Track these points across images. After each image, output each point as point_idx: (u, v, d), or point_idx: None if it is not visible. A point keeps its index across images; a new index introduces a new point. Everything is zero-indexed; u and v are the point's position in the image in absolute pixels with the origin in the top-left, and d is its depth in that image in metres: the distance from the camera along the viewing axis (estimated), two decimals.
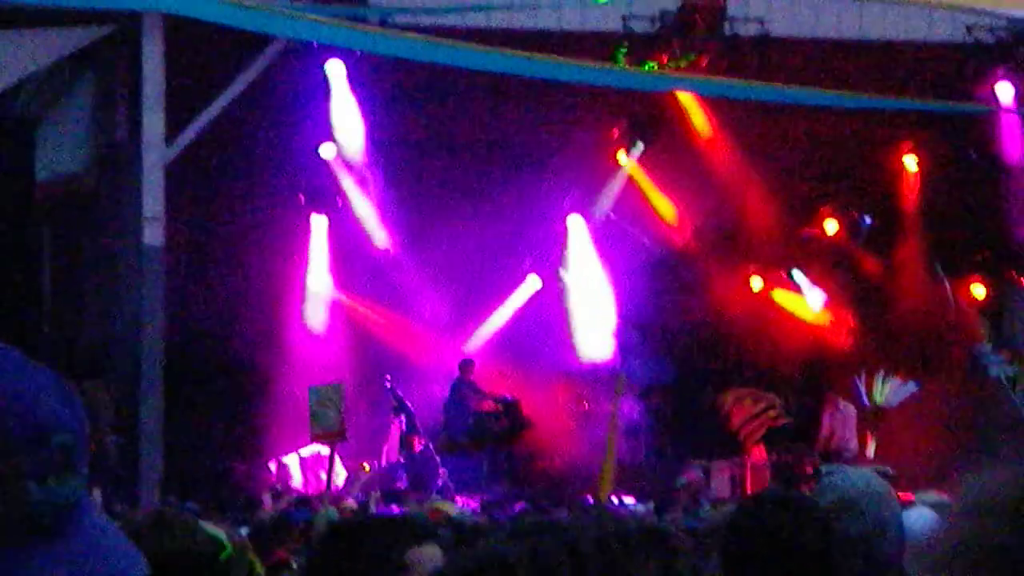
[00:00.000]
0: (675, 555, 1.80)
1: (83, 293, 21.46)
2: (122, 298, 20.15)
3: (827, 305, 25.96)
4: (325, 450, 21.36)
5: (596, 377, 24.39)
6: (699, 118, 23.19)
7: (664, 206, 24.74)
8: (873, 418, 22.91)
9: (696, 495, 21.23)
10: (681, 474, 22.16)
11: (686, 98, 23.04)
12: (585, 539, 1.76)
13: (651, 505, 19.60)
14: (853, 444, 23.00)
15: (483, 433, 21.00)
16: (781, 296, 25.94)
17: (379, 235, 23.56)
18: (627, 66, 20.81)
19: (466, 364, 23.51)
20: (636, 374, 24.28)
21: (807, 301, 25.93)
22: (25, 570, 1.92)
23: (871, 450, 22.58)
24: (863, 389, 23.35)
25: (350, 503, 17.46)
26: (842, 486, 4.80)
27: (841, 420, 23.27)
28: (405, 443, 22.14)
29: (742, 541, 4.28)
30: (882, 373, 23.42)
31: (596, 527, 1.78)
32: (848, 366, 24.69)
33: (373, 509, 18.05)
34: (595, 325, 24.95)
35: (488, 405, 22.50)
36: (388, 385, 22.42)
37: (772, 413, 22.66)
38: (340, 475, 22.14)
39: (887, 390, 23.19)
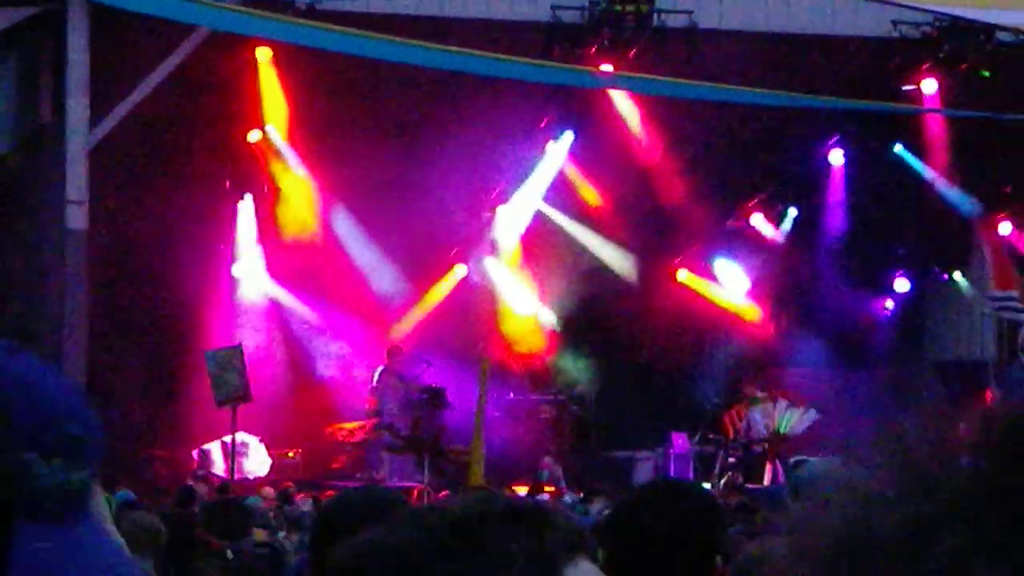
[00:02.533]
0: (548, 530, 1.76)
1: (6, 277, 21.25)
2: (46, 282, 19.97)
3: (750, 296, 26.11)
4: (247, 436, 21.35)
5: (523, 368, 24.46)
6: (628, 109, 23.24)
7: (592, 196, 24.79)
8: (777, 445, 22.83)
9: (558, 482, 21.35)
10: (539, 468, 22.25)
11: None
12: (442, 524, 1.74)
13: (578, 496, 19.69)
14: (767, 434, 23.15)
15: (419, 437, 20.95)
16: (705, 288, 26.05)
17: (307, 221, 23.48)
18: (560, 62, 20.82)
19: (394, 351, 23.48)
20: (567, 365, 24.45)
21: (731, 292, 26.06)
22: (25, 550, 1.94)
23: (767, 478, 22.47)
24: (759, 419, 23.32)
25: (267, 490, 17.40)
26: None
27: (759, 415, 23.41)
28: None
29: (621, 532, 4.28)
30: (783, 405, 23.47)
31: (456, 510, 1.76)
32: (770, 357, 24.88)
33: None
34: (520, 315, 24.99)
35: (413, 394, 22.47)
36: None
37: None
38: (264, 463, 22.10)
39: (791, 420, 23.24)
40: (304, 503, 17.06)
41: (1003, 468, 1.02)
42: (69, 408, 2.05)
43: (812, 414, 23.38)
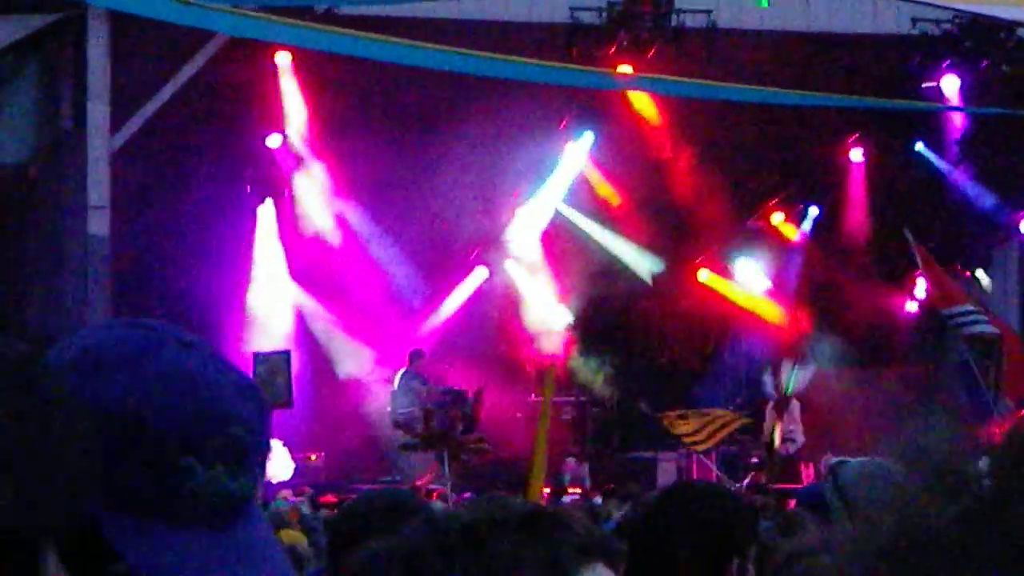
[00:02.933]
0: (560, 536, 1.77)
1: (28, 283, 21.32)
2: (67, 288, 20.04)
3: (771, 296, 26.07)
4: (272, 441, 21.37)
5: (544, 369, 24.42)
6: (647, 109, 23.22)
7: (611, 197, 24.78)
8: (783, 406, 23.04)
9: (581, 482, 21.35)
10: (562, 470, 22.23)
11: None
12: (453, 528, 1.75)
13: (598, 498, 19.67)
14: (799, 436, 23.13)
15: (434, 433, 20.94)
16: (726, 287, 26.01)
17: (326, 224, 23.52)
18: (579, 62, 20.82)
19: (415, 354, 23.48)
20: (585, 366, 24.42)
21: (752, 292, 26.02)
22: (181, 553, 1.90)
23: (777, 437, 22.69)
24: (769, 381, 23.46)
25: (284, 493, 17.42)
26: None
27: (788, 412, 23.40)
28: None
29: (644, 538, 4.29)
30: (791, 364, 23.51)
31: (469, 514, 1.77)
32: (790, 356, 24.83)
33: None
34: (543, 317, 24.99)
35: (434, 397, 22.45)
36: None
37: (727, 423, 22.78)
38: (287, 467, 22.13)
39: (796, 380, 23.34)
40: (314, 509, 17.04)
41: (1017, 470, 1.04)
42: (237, 410, 1.97)
43: (811, 368, 23.53)
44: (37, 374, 1.68)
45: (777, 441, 22.60)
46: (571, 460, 22.59)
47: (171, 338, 2.00)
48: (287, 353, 15.45)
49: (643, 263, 25.28)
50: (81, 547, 1.85)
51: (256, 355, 15.92)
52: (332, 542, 4.48)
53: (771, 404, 23.24)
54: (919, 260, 20.91)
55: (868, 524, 1.09)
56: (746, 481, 22.00)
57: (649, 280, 25.42)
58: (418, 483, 21.11)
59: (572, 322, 24.90)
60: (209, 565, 1.91)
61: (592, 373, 24.58)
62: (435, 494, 18.82)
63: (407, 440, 21.51)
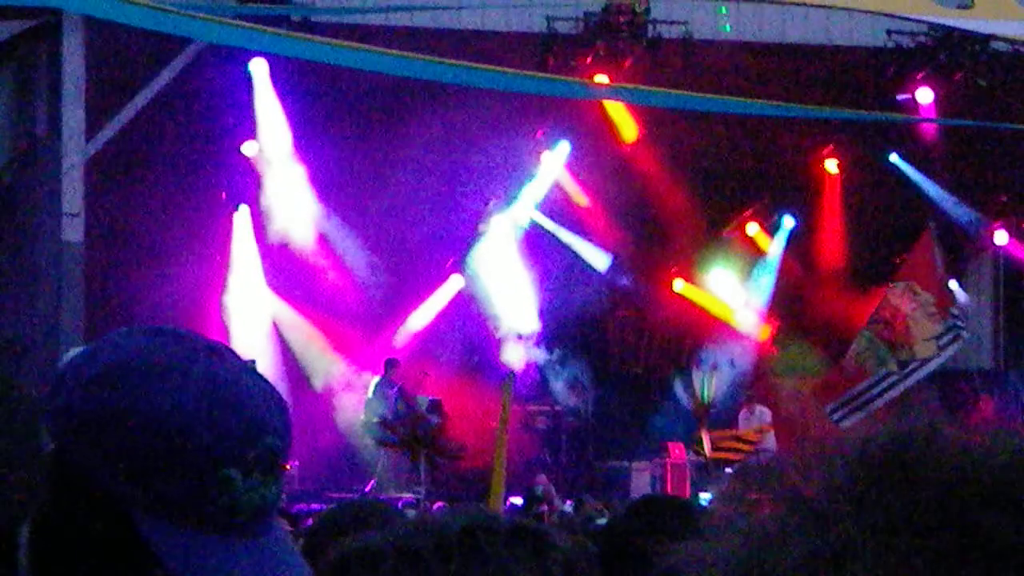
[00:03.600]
0: (548, 551, 1.78)
1: (1, 290, 21.24)
2: (41, 295, 19.96)
3: (746, 306, 26.11)
4: None
5: (519, 378, 24.43)
6: (623, 119, 23.25)
7: (587, 206, 24.80)
8: (703, 415, 22.91)
9: (551, 500, 21.26)
10: (535, 482, 22.17)
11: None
12: (451, 530, 1.76)
13: (568, 504, 19.67)
14: (771, 444, 23.15)
15: (412, 435, 20.90)
16: (701, 297, 26.04)
17: (302, 232, 23.48)
18: (556, 72, 20.84)
19: (391, 363, 23.45)
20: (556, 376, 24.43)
21: (726, 302, 26.06)
22: (218, 561, 1.93)
23: (707, 447, 22.60)
24: (682, 394, 23.29)
25: None
26: None
27: (756, 422, 23.44)
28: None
29: (617, 542, 4.30)
30: (698, 374, 23.45)
31: (464, 519, 1.79)
32: (766, 368, 24.88)
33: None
34: (516, 326, 24.99)
35: (410, 406, 22.42)
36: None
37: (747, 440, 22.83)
38: None
39: (711, 385, 23.26)
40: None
41: (880, 499, 1.01)
42: (272, 420, 2.00)
43: (727, 372, 23.47)
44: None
45: (707, 451, 22.54)
46: (543, 475, 22.52)
47: (201, 346, 2.03)
48: (252, 363, 15.44)
49: (618, 273, 25.30)
50: (122, 552, 1.91)
51: None
52: (306, 551, 4.45)
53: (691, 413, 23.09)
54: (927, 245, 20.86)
55: (718, 548, 1.05)
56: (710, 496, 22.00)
57: (624, 290, 25.44)
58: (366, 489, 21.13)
59: (531, 331, 24.88)
60: (245, 572, 1.95)
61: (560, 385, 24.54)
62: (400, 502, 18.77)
63: (386, 436, 21.45)
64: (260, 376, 2.07)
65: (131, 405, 1.93)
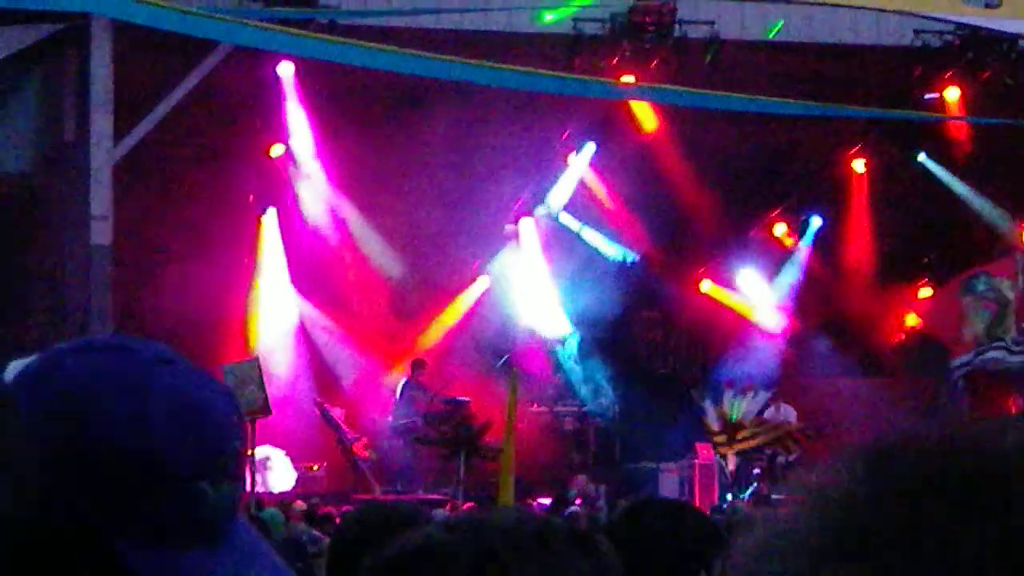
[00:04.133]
0: (600, 553, 1.84)
1: (30, 293, 21.32)
2: (70, 299, 20.04)
3: (773, 306, 26.07)
4: (272, 451, 21.38)
5: (545, 379, 24.47)
6: (649, 120, 23.23)
7: (613, 207, 24.80)
8: (731, 434, 22.83)
9: (592, 502, 21.21)
10: (569, 485, 22.12)
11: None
12: (524, 531, 1.79)
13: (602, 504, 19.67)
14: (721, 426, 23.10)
15: (448, 435, 20.93)
16: (728, 298, 26.01)
17: (329, 234, 23.53)
18: (582, 73, 20.83)
19: (418, 364, 23.47)
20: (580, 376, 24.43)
21: (754, 303, 26.02)
22: (193, 572, 1.91)
23: (730, 464, 22.58)
24: (711, 411, 23.19)
25: (299, 504, 17.38)
26: None
27: (782, 420, 23.40)
28: (349, 453, 22.21)
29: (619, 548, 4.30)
30: (731, 392, 23.38)
31: (532, 521, 1.81)
32: (792, 367, 24.85)
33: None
34: (543, 327, 25.00)
35: (437, 407, 22.44)
36: (319, 409, 22.42)
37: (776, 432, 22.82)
38: (289, 477, 22.11)
39: (742, 407, 23.18)
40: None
41: (883, 502, 1.03)
42: (230, 422, 1.97)
43: (762, 396, 23.37)
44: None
45: (730, 467, 22.54)
46: (581, 477, 22.46)
47: (151, 358, 1.97)
48: (255, 360, 15.42)
49: (645, 273, 25.30)
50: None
51: (223, 367, 15.87)
52: (334, 551, 4.41)
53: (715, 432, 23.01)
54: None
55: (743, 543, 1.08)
56: (748, 492, 21.98)
57: (651, 290, 25.44)
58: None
59: (561, 333, 24.89)
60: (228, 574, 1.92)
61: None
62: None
63: (427, 435, 21.45)
64: (212, 378, 2.03)
65: (96, 433, 1.88)
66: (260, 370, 16.18)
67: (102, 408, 1.89)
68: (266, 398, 15.45)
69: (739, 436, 22.54)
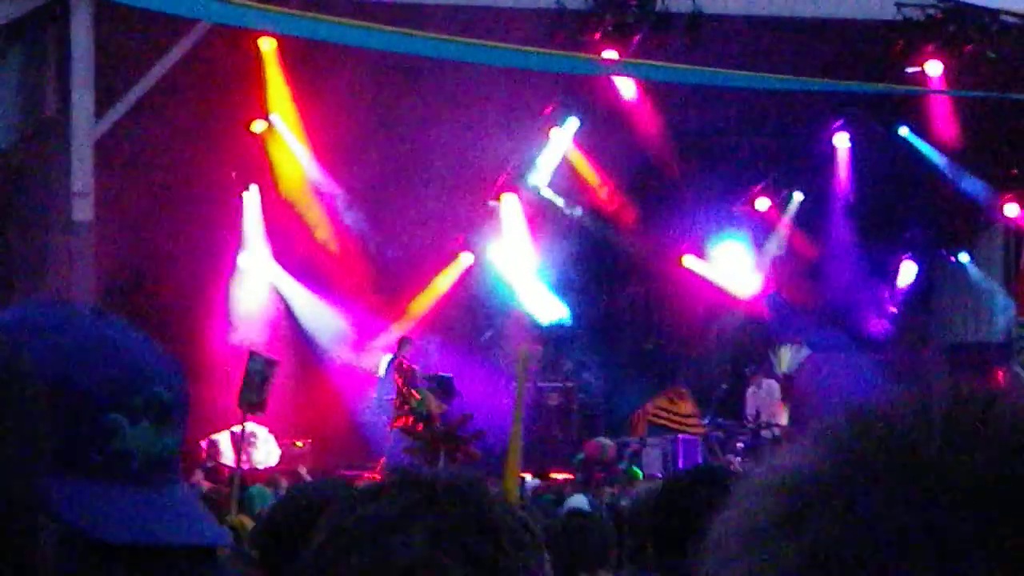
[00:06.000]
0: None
1: (12, 270, 21.27)
2: (52, 275, 19.99)
3: (756, 281, 26.10)
4: (256, 427, 21.35)
5: (530, 354, 24.45)
6: (632, 95, 23.21)
7: (597, 182, 24.79)
8: (786, 387, 23.25)
9: (607, 465, 21.23)
10: (581, 449, 22.17)
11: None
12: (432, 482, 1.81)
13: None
14: (781, 419, 23.19)
15: (436, 435, 20.93)
16: (710, 272, 26.03)
17: (310, 210, 23.49)
18: (564, 48, 20.79)
19: (404, 341, 23.46)
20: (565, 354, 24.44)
21: (736, 277, 26.05)
22: (110, 508, 1.94)
23: (784, 417, 22.90)
24: (775, 360, 23.59)
25: (285, 482, 17.38)
26: None
27: (765, 396, 23.47)
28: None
29: (671, 517, 4.31)
30: (786, 344, 23.66)
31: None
32: (772, 341, 24.93)
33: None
34: (527, 302, 25.01)
35: (422, 383, 22.43)
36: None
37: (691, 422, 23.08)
38: (273, 453, 22.11)
39: (788, 358, 23.45)
40: None
41: (842, 468, 1.04)
42: (158, 371, 2.03)
43: (804, 351, 23.60)
44: None
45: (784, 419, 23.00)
46: (595, 442, 22.42)
47: (87, 311, 2.08)
48: (278, 363, 15.60)
49: (628, 248, 25.30)
50: (11, 505, 1.87)
51: (252, 353, 15.91)
52: (265, 537, 4.15)
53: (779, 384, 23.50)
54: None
55: (720, 551, 1.07)
56: (733, 467, 22.02)
57: (634, 265, 25.45)
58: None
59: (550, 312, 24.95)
60: (140, 519, 1.95)
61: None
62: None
63: (410, 444, 21.48)
64: (153, 341, 2.09)
65: (7, 364, 1.88)
66: (275, 373, 16.26)
67: (15, 344, 1.90)
68: (266, 400, 15.54)
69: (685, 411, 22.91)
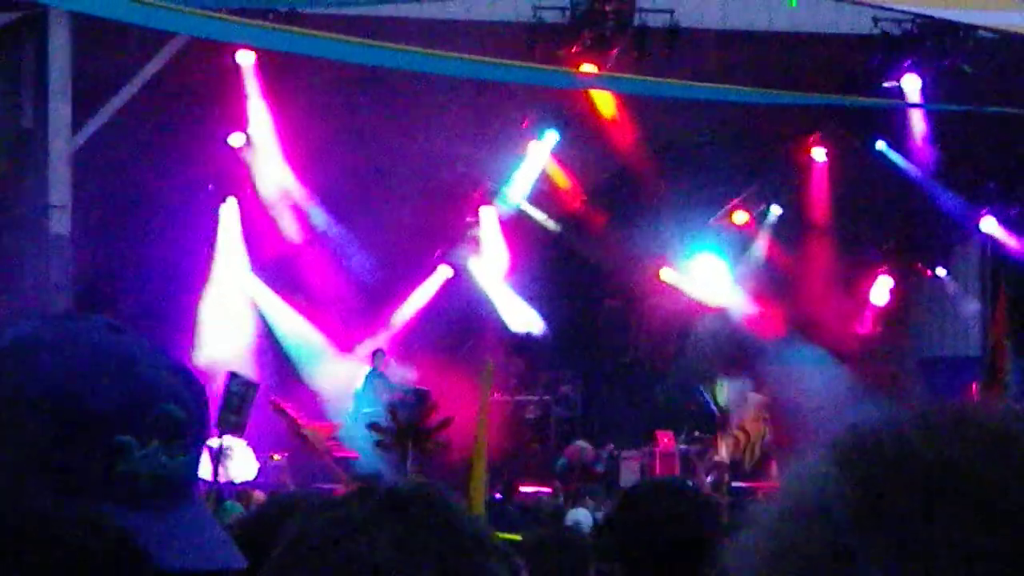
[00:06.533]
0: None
1: None
2: (28, 288, 19.94)
3: (733, 294, 26.11)
4: (234, 441, 21.30)
5: (508, 368, 24.46)
6: (610, 108, 23.24)
7: (574, 195, 24.81)
8: (722, 421, 23.09)
9: (586, 467, 21.22)
10: (562, 455, 22.16)
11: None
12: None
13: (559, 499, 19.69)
14: (768, 434, 23.20)
15: (401, 426, 20.91)
16: (688, 286, 26.04)
17: (288, 224, 23.47)
18: (542, 62, 20.81)
19: (379, 354, 23.47)
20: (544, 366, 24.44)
21: (714, 290, 26.06)
22: (109, 525, 1.84)
23: (723, 453, 22.75)
24: (708, 397, 23.46)
25: (258, 495, 17.36)
26: None
27: (750, 407, 23.48)
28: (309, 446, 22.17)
29: (625, 532, 4.32)
30: (719, 378, 23.57)
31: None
32: (756, 353, 24.92)
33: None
34: (505, 316, 25.01)
35: (398, 396, 22.43)
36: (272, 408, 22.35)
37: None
38: (251, 468, 22.06)
39: (726, 393, 23.38)
40: None
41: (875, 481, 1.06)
42: (170, 388, 1.97)
43: (746, 384, 23.51)
44: None
45: (724, 455, 22.74)
46: (576, 445, 22.38)
47: (101, 324, 2.00)
48: (258, 385, 15.60)
49: (606, 261, 25.32)
50: (20, 525, 1.84)
51: (233, 374, 15.90)
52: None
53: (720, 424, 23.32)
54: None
55: (745, 548, 1.10)
56: (708, 479, 22.04)
57: (612, 278, 25.47)
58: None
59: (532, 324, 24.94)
60: (152, 543, 1.87)
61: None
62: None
63: (378, 438, 21.48)
64: (168, 354, 2.04)
65: (21, 379, 1.90)
66: (255, 395, 16.24)
67: (35, 354, 1.93)
68: (246, 423, 15.54)
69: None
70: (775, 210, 26.16)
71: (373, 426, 21.72)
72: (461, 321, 24.61)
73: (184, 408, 1.97)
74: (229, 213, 23.40)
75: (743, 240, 26.27)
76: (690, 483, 18.63)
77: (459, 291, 24.88)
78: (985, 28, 21.13)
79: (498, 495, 19.54)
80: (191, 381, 2.03)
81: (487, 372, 9.39)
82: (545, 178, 24.77)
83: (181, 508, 1.96)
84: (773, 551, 1.07)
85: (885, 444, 1.07)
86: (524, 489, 21.20)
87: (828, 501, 1.06)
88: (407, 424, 20.65)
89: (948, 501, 1.03)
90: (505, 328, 25.03)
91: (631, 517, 4.31)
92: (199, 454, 2.03)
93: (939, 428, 1.08)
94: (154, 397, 1.94)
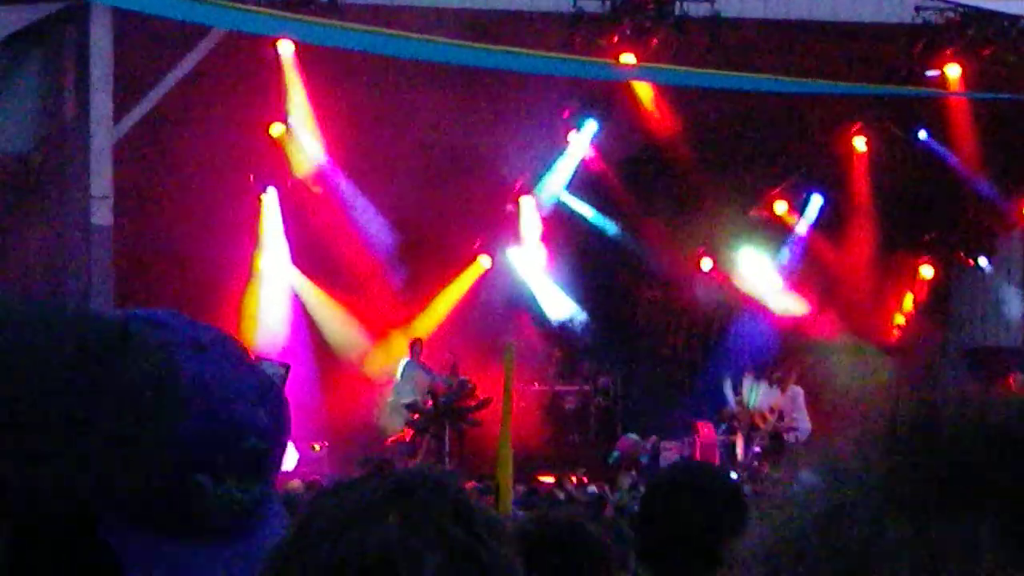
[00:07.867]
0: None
1: (30, 274, 21.31)
2: (70, 279, 20.02)
3: (774, 285, 26.05)
4: None
5: (547, 358, 24.48)
6: (650, 98, 23.19)
7: (614, 185, 24.77)
8: (745, 419, 22.99)
9: (637, 461, 21.21)
10: (615, 448, 22.15)
11: None
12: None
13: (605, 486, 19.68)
14: (804, 424, 23.10)
15: (440, 409, 20.98)
16: (729, 276, 25.98)
17: (330, 214, 23.51)
18: (582, 52, 20.78)
19: (415, 344, 23.49)
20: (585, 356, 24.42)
21: (755, 281, 26.00)
22: (195, 567, 1.88)
23: (739, 449, 22.74)
24: (730, 395, 23.34)
25: (296, 484, 17.40)
26: None
27: (790, 400, 23.39)
28: None
29: (650, 518, 4.33)
30: (751, 378, 23.45)
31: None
32: (797, 347, 24.83)
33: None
34: (545, 307, 25.00)
35: (438, 386, 22.46)
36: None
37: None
38: (291, 458, 22.10)
39: (757, 395, 23.26)
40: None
41: (901, 459, 1.07)
42: (251, 420, 1.93)
43: (775, 392, 23.38)
44: (124, 350, 1.67)
45: (739, 454, 22.69)
46: (629, 439, 22.38)
47: (187, 340, 1.94)
48: (288, 366, 15.72)
49: (646, 252, 25.27)
50: (81, 554, 1.83)
51: (259, 358, 16.01)
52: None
53: (732, 416, 23.20)
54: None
55: (755, 532, 1.11)
56: (747, 471, 22.00)
57: (652, 269, 25.42)
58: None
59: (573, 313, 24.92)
60: (217, 572, 1.88)
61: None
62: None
63: (413, 423, 21.53)
64: (251, 368, 1.99)
65: (163, 375, 1.81)
66: (286, 378, 16.29)
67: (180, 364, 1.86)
68: None
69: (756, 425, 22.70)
70: (816, 200, 26.07)
71: (411, 407, 21.78)
72: (500, 311, 24.60)
73: (264, 438, 1.95)
74: (270, 203, 23.45)
75: (783, 230, 26.19)
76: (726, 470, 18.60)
77: (498, 281, 24.87)
78: None
79: (548, 481, 19.58)
80: (273, 396, 1.99)
81: (509, 353, 9.13)
82: (585, 168, 24.74)
83: (249, 534, 1.93)
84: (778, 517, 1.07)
85: (927, 431, 1.08)
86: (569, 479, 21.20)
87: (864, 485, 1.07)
88: (446, 407, 20.73)
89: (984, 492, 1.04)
90: (544, 318, 25.01)
91: (653, 509, 4.33)
92: (276, 472, 2.00)
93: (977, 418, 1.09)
94: (236, 434, 1.91)
